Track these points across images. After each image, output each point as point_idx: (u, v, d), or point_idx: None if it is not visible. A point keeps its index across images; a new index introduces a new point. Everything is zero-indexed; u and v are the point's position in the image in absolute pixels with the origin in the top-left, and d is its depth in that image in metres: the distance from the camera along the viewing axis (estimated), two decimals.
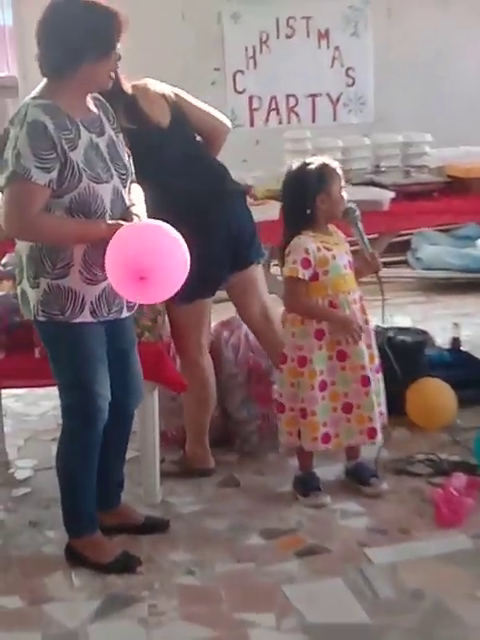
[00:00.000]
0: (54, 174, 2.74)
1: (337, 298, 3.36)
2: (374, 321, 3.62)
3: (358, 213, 3.39)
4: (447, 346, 4.74)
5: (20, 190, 2.72)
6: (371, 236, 3.97)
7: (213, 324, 4.28)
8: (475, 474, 3.53)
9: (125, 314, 3.04)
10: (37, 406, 4.61)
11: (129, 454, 3.37)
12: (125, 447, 3.31)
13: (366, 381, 3.38)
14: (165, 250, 2.77)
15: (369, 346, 3.45)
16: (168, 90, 3.49)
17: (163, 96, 3.44)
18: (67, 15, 2.77)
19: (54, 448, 3.97)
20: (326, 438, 3.43)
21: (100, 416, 3.00)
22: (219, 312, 5.63)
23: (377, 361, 3.51)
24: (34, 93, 2.83)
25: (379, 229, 4.35)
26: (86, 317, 2.89)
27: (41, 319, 2.89)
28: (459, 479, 3.42)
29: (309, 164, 3.37)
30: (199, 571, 3.07)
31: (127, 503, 3.38)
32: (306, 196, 3.34)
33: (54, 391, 4.35)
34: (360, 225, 3.39)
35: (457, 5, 5.62)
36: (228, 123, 3.57)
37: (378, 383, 3.49)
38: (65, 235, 2.82)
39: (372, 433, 3.42)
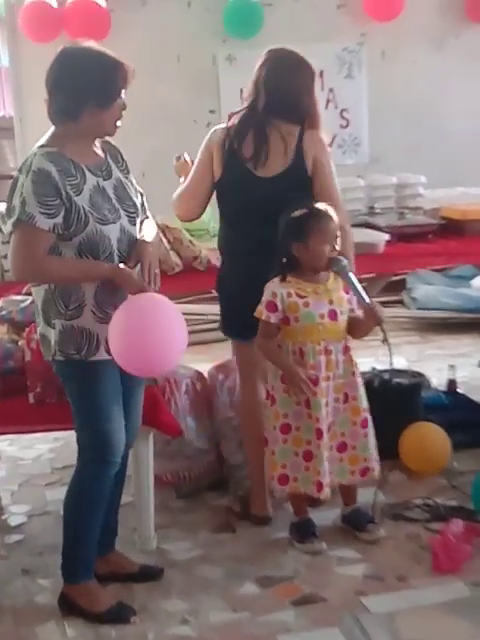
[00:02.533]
0: (59, 219, 2.81)
1: (305, 346, 3.34)
2: (379, 364, 3.57)
3: (345, 263, 3.29)
4: (443, 388, 4.73)
5: (25, 235, 2.81)
6: (367, 277, 3.98)
7: (208, 367, 4.28)
8: (473, 520, 3.50)
9: None
10: (32, 450, 4.57)
11: (122, 499, 3.34)
12: (121, 491, 3.28)
13: (319, 434, 3.34)
14: (167, 342, 2.86)
15: (354, 398, 3.41)
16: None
17: None
18: (74, 63, 2.86)
19: (48, 493, 4.04)
20: (283, 479, 3.42)
21: (114, 457, 3.01)
22: (214, 354, 5.64)
23: (364, 414, 3.43)
24: (42, 141, 2.90)
25: (374, 271, 4.35)
26: (102, 355, 2.94)
27: (59, 359, 2.94)
28: (457, 525, 3.39)
29: (295, 212, 3.34)
30: (194, 620, 3.03)
31: (120, 551, 3.34)
32: (282, 244, 3.33)
33: (49, 435, 4.41)
34: (351, 276, 3.30)
35: (450, 47, 5.66)
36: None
37: (363, 437, 3.42)
38: (69, 276, 2.90)
39: (320, 487, 3.35)
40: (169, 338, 2.86)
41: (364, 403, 3.43)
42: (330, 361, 3.34)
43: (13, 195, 2.82)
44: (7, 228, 2.85)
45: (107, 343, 2.90)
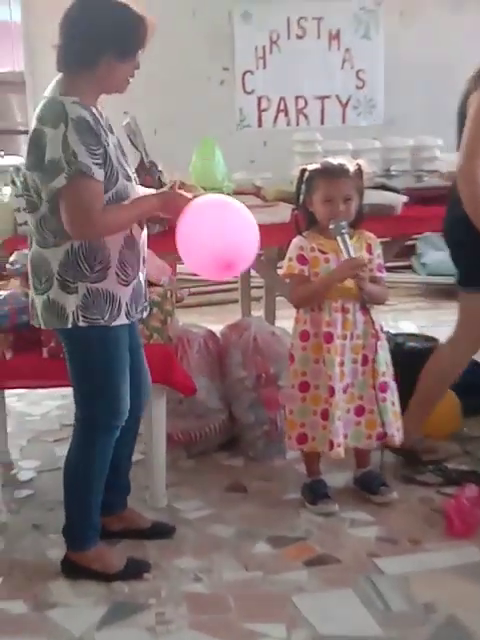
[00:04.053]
0: (105, 169, 2.70)
1: (322, 302, 3.31)
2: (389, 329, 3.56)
3: (342, 225, 3.24)
4: None
5: (86, 188, 2.65)
6: (382, 240, 3.93)
7: (221, 327, 4.25)
8: None
9: (145, 314, 3.02)
10: (39, 406, 4.55)
11: (133, 457, 3.32)
12: (132, 450, 3.26)
13: (332, 392, 3.31)
14: (240, 233, 2.78)
15: (373, 361, 3.36)
16: None
17: None
18: (96, 8, 2.72)
19: (57, 449, 4.02)
20: (301, 439, 3.40)
21: (122, 422, 2.96)
22: (222, 316, 5.62)
23: (381, 379, 3.38)
24: (55, 90, 2.74)
25: (391, 233, 4.29)
26: (122, 319, 2.85)
27: (82, 325, 2.79)
28: (471, 489, 3.37)
29: (310, 165, 3.36)
30: (206, 578, 3.01)
31: (132, 507, 3.32)
32: (296, 196, 3.36)
33: (57, 391, 4.39)
34: (345, 238, 3.23)
35: (470, 8, 5.55)
36: None
37: (382, 402, 3.36)
38: (129, 220, 2.80)
39: (331, 445, 3.33)
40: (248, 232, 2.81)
41: (383, 366, 3.39)
42: (347, 320, 3.31)
43: (46, 148, 2.63)
44: (55, 182, 2.62)
45: (127, 306, 2.84)
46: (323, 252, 3.31)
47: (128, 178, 2.84)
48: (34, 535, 3.32)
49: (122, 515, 3.25)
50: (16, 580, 3.03)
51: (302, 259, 3.31)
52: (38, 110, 2.73)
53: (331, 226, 3.25)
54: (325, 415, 3.33)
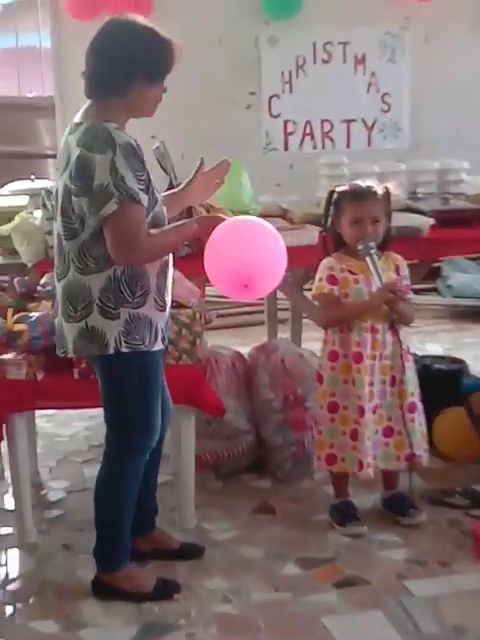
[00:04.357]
0: (147, 194, 2.74)
1: (352, 322, 3.33)
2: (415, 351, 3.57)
3: (371, 245, 3.27)
4: None
5: (134, 213, 2.69)
6: (409, 263, 3.95)
7: (248, 348, 4.27)
8: None
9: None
10: (68, 427, 4.59)
11: (161, 478, 3.35)
12: (158, 470, 3.28)
13: (362, 412, 3.33)
14: (263, 253, 2.78)
15: (401, 382, 3.38)
16: None
17: None
18: (124, 34, 2.76)
19: (86, 470, 4.04)
20: (331, 459, 3.41)
21: (152, 446, 3.00)
22: (248, 338, 5.64)
23: (410, 399, 3.40)
24: (88, 117, 2.77)
25: (418, 256, 4.29)
26: (159, 344, 2.90)
27: (125, 350, 2.81)
28: None
29: (339, 187, 3.41)
30: (236, 599, 3.02)
31: (162, 529, 3.34)
32: (324, 216, 3.42)
33: (85, 412, 4.42)
34: (374, 258, 3.28)
35: None
36: None
37: (410, 422, 3.38)
38: (171, 247, 2.87)
39: (361, 465, 3.34)
40: (269, 255, 2.82)
41: (411, 387, 3.40)
42: (376, 340, 3.32)
43: (94, 174, 2.65)
44: (106, 208, 2.65)
45: (162, 331, 2.88)
46: (353, 273, 3.33)
47: (163, 202, 2.89)
48: (64, 555, 3.35)
49: (151, 536, 3.27)
50: (47, 600, 3.05)
51: (332, 279, 3.34)
52: (79, 136, 2.73)
53: (360, 247, 3.28)
54: (354, 435, 3.34)
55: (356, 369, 3.31)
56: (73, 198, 2.74)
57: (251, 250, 2.76)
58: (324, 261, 3.39)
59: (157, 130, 4.01)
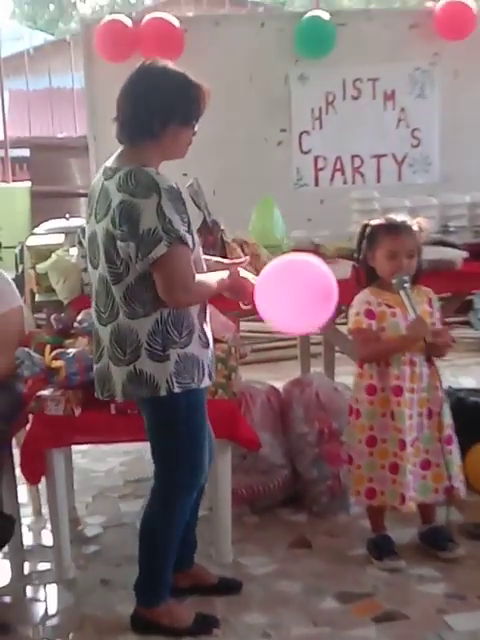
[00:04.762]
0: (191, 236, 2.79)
1: (390, 356, 3.35)
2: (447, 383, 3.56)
3: (405, 279, 3.29)
4: None
5: (183, 256, 2.73)
6: (443, 296, 3.96)
7: (283, 383, 4.29)
8: None
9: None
10: (103, 462, 4.61)
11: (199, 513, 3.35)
12: (199, 506, 3.29)
13: (403, 445, 3.33)
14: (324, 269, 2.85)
15: (438, 414, 3.37)
16: None
17: None
18: (159, 79, 2.81)
19: (122, 505, 4.07)
20: (370, 493, 3.40)
21: (200, 485, 3.02)
22: (280, 372, 5.66)
23: (447, 431, 3.40)
24: (123, 162, 2.80)
25: (452, 289, 4.31)
26: (207, 381, 2.93)
27: (177, 391, 2.84)
28: None
29: (373, 221, 3.42)
30: (275, 634, 3.02)
31: (200, 564, 3.34)
32: (358, 250, 3.42)
33: (120, 447, 4.46)
34: (407, 291, 3.29)
35: None
36: None
37: (448, 454, 3.37)
38: (212, 291, 2.89)
39: (403, 499, 3.33)
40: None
41: (448, 419, 3.40)
42: (414, 373, 3.33)
43: (140, 218, 2.68)
44: (156, 251, 2.67)
45: (208, 368, 2.91)
46: (390, 306, 3.34)
47: (199, 243, 2.93)
48: (102, 590, 3.35)
49: (189, 572, 3.27)
50: (87, 635, 3.06)
51: (370, 314, 3.35)
52: (119, 182, 2.74)
53: (394, 281, 3.29)
54: (394, 469, 3.33)
55: (396, 402, 3.32)
56: (118, 243, 2.75)
57: (314, 267, 2.84)
58: (360, 295, 3.40)
59: (189, 167, 4.06)
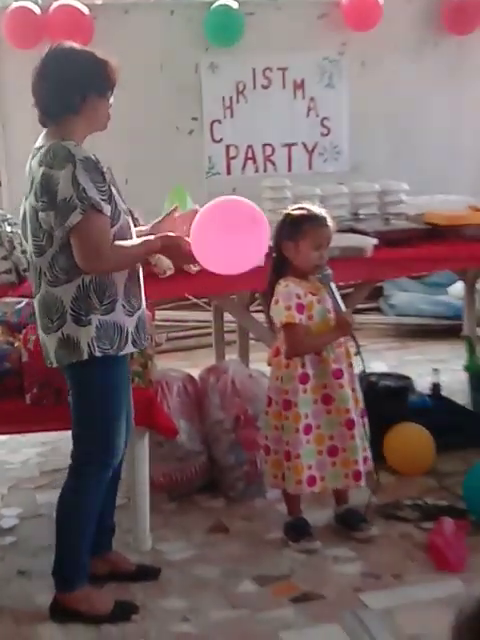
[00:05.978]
0: (110, 205, 2.83)
1: (319, 349, 3.40)
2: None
3: (330, 273, 3.37)
4: (427, 392, 4.79)
5: (96, 223, 2.79)
6: (354, 283, 4.03)
7: (199, 370, 4.31)
8: (464, 518, 3.55)
9: (145, 344, 3.12)
10: (19, 454, 4.57)
11: (117, 501, 3.35)
12: (116, 491, 3.29)
13: (351, 424, 3.41)
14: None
15: (354, 390, 3.48)
16: None
17: None
18: (66, 58, 2.90)
19: (38, 496, 4.04)
20: (311, 481, 3.43)
21: (117, 460, 3.04)
22: (195, 360, 5.68)
23: (362, 405, 3.52)
24: (49, 139, 2.86)
25: (362, 276, 4.38)
26: (129, 348, 2.98)
27: (98, 354, 2.89)
28: (448, 523, 3.43)
29: (295, 209, 3.43)
30: (194, 618, 3.05)
31: (117, 550, 3.35)
32: (275, 240, 3.39)
33: (36, 438, 4.43)
34: (332, 286, 3.38)
35: (429, 57, 5.72)
36: None
37: (363, 427, 3.49)
38: (136, 256, 2.96)
39: (358, 476, 3.44)
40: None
41: (360, 396, 3.48)
42: (348, 351, 3.44)
43: (57, 189, 2.76)
44: (71, 219, 2.75)
45: (132, 335, 2.96)
46: (313, 294, 3.39)
47: (127, 213, 2.97)
48: (20, 581, 3.33)
49: (107, 558, 3.28)
50: (6, 626, 3.04)
51: (300, 308, 3.36)
52: (41, 157, 2.83)
53: (320, 276, 3.36)
54: (333, 452, 3.42)
55: (338, 385, 3.39)
56: (40, 214, 2.83)
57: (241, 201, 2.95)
58: (285, 288, 3.36)
59: (101, 157, 4.03)
